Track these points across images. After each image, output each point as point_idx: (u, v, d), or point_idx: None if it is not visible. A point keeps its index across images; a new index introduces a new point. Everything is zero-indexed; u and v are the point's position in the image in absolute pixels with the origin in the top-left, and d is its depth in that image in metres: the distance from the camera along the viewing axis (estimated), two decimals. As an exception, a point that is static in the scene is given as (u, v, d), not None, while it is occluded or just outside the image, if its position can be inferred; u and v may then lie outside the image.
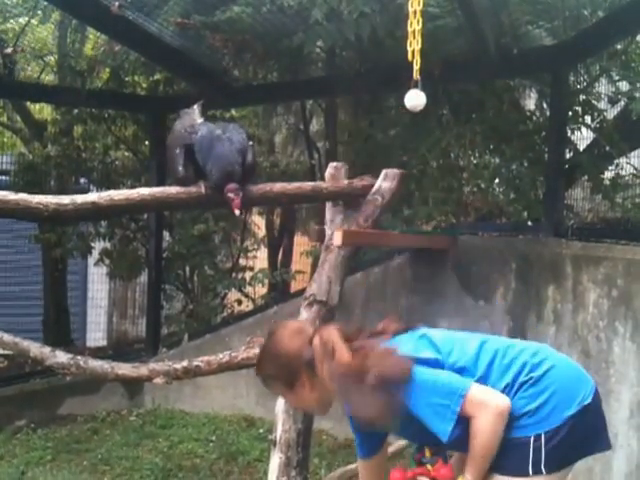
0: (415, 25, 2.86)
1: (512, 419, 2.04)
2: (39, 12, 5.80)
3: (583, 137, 5.12)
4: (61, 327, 7.03)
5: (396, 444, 3.36)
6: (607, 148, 4.85)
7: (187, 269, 6.64)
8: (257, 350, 3.23)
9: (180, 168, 3.17)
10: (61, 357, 3.31)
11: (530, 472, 2.02)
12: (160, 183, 5.28)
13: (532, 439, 2.02)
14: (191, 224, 6.34)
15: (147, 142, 6.36)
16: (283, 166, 7.00)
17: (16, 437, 4.84)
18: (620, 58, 4.97)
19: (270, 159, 6.94)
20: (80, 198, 3.03)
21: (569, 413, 2.04)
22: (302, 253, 6.66)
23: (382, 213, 3.69)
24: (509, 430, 2.03)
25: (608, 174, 5.00)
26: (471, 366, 2.11)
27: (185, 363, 3.27)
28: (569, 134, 4.82)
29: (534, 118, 5.35)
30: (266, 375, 2.27)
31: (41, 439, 4.83)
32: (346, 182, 3.62)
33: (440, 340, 2.19)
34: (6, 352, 5.10)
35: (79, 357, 3.37)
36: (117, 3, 4.08)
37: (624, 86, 5.07)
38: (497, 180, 5.27)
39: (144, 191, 3.21)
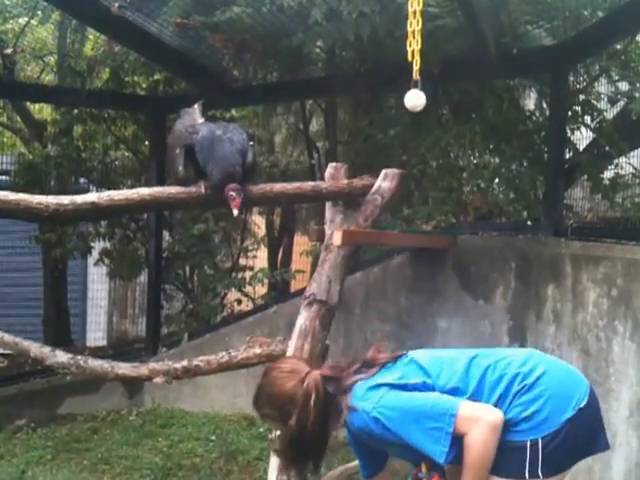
0: (415, 25, 2.86)
1: (509, 425, 2.06)
2: (39, 12, 5.81)
3: (583, 137, 5.12)
4: (61, 327, 7.04)
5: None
6: (607, 148, 4.85)
7: (187, 269, 6.64)
8: (257, 350, 3.26)
9: (180, 168, 3.17)
10: (61, 357, 3.32)
11: (527, 475, 2.04)
12: (160, 183, 5.28)
13: (529, 443, 2.04)
14: (191, 224, 6.34)
15: (147, 142, 6.36)
16: (283, 166, 7.00)
17: (16, 436, 4.85)
18: (620, 58, 4.97)
19: (270, 159, 6.94)
20: (80, 198, 3.04)
21: (566, 417, 2.05)
22: (302, 253, 6.66)
23: (382, 213, 3.70)
24: (506, 434, 2.05)
25: (608, 174, 4.99)
26: (462, 385, 2.13)
27: (185, 363, 3.28)
28: (569, 134, 4.82)
29: (534, 118, 5.36)
30: (262, 413, 2.39)
31: (41, 438, 4.83)
32: (346, 182, 3.63)
33: (428, 363, 2.22)
34: (6, 352, 5.10)
35: (79, 357, 3.38)
36: (117, 4, 4.08)
37: (624, 86, 5.07)
38: (497, 180, 5.27)
39: (144, 191, 3.21)
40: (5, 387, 5.22)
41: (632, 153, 5.12)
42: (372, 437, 2.16)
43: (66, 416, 5.28)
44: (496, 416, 2.03)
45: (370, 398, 2.14)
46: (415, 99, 2.93)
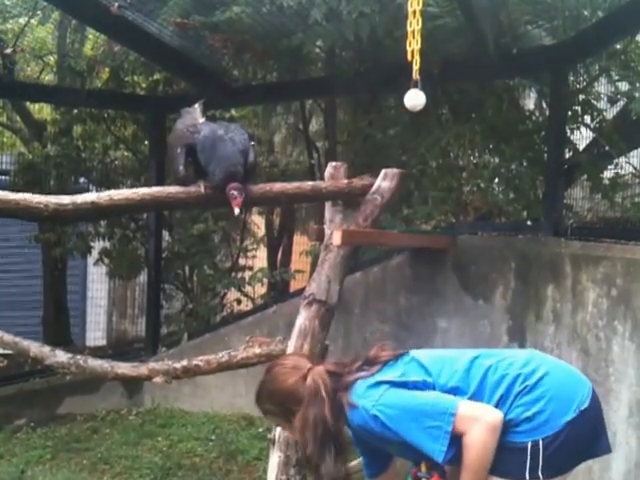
0: (414, 25, 2.86)
1: (510, 426, 2.05)
2: (39, 12, 5.82)
3: (582, 137, 5.12)
4: (61, 326, 7.04)
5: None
6: (606, 148, 4.85)
7: (186, 268, 6.64)
8: (256, 349, 3.26)
9: (181, 167, 3.17)
10: (61, 356, 3.32)
11: (527, 477, 2.03)
12: (159, 183, 5.28)
13: (530, 444, 2.04)
14: (190, 224, 6.34)
15: (146, 142, 6.36)
16: (283, 166, 7.01)
17: (16, 436, 4.85)
18: (619, 58, 4.96)
19: (270, 159, 6.94)
20: (80, 198, 3.04)
21: (567, 419, 2.05)
22: (301, 252, 6.66)
23: (381, 212, 3.70)
24: (507, 435, 2.05)
25: (607, 174, 4.99)
26: (463, 385, 2.13)
27: (185, 362, 3.29)
28: (568, 134, 4.82)
29: (533, 118, 5.35)
30: (264, 410, 2.39)
31: (41, 438, 4.83)
32: (345, 182, 3.63)
33: (429, 362, 2.22)
34: (6, 351, 5.09)
35: (79, 356, 3.39)
36: (117, 3, 4.08)
37: (624, 86, 5.07)
38: (496, 180, 5.27)
39: (143, 191, 3.22)
40: (5, 387, 5.22)
41: (632, 153, 5.12)
42: (372, 435, 2.16)
43: (66, 416, 5.28)
44: (495, 416, 2.03)
45: (370, 396, 2.14)
46: (415, 99, 2.93)
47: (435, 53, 3.95)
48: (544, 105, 5.31)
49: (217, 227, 6.51)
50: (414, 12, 2.86)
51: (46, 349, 3.37)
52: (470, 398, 2.10)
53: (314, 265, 4.07)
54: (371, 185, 3.62)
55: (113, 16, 4.10)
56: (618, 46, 4.88)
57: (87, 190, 6.22)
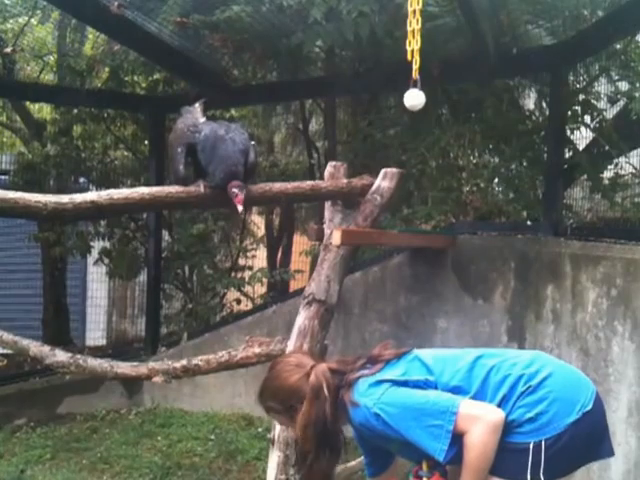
0: (414, 25, 2.86)
1: (512, 426, 2.04)
2: (38, 12, 5.82)
3: (582, 137, 5.12)
4: (60, 326, 7.03)
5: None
6: (606, 148, 4.85)
7: (186, 268, 6.64)
8: (256, 349, 3.26)
9: (181, 167, 3.17)
10: (60, 356, 3.32)
11: (528, 478, 2.03)
12: (159, 182, 5.29)
13: (532, 445, 2.03)
14: (190, 223, 6.34)
15: (146, 142, 6.36)
16: (282, 166, 7.02)
17: (15, 436, 4.85)
18: (619, 58, 4.97)
19: (269, 159, 6.95)
20: (79, 197, 3.03)
21: (570, 420, 2.04)
22: (301, 252, 6.67)
23: (381, 212, 3.69)
24: (509, 435, 2.04)
25: (607, 174, 4.99)
26: (465, 384, 2.12)
27: (184, 362, 3.28)
28: (568, 134, 4.82)
29: (533, 118, 5.36)
30: (267, 407, 2.39)
31: (40, 438, 4.83)
32: (345, 181, 3.62)
33: (431, 361, 2.22)
34: (6, 351, 5.09)
35: (78, 356, 3.38)
36: (116, 3, 4.08)
37: (623, 86, 5.07)
38: (496, 180, 5.28)
39: (143, 190, 3.21)
40: (4, 386, 5.21)
41: (632, 153, 5.12)
42: (373, 433, 2.16)
43: (65, 415, 5.28)
44: (497, 416, 2.02)
45: (372, 394, 2.14)
46: (414, 98, 2.93)
47: (435, 53, 3.95)
48: (544, 105, 5.31)
49: (217, 227, 6.52)
50: (414, 12, 2.86)
51: (46, 349, 3.36)
52: (472, 398, 2.09)
53: (314, 265, 4.07)
54: (371, 185, 3.62)
55: (113, 15, 4.10)
56: (618, 46, 4.88)
57: (87, 190, 6.23)
